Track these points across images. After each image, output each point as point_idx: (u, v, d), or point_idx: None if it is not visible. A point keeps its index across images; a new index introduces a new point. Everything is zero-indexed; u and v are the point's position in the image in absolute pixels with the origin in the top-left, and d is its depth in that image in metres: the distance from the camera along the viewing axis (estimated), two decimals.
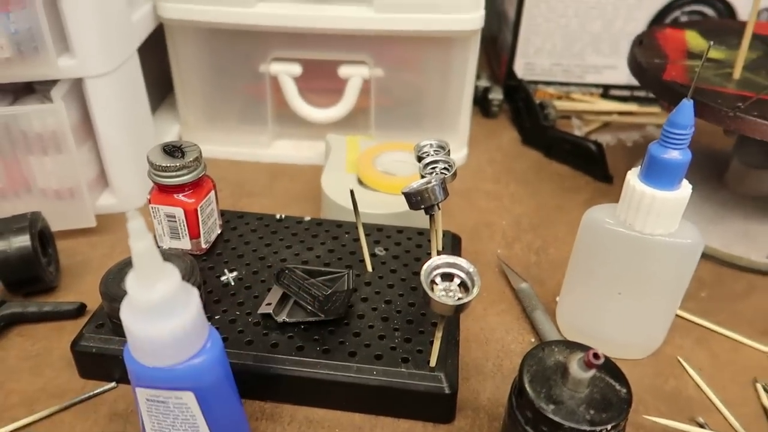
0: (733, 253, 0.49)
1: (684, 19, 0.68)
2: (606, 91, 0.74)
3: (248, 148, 0.63)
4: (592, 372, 0.28)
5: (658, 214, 0.35)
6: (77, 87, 0.48)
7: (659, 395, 0.39)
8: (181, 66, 0.59)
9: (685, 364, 0.41)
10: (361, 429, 0.36)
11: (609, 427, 0.28)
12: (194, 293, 0.28)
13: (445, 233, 0.48)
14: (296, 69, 0.58)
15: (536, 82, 0.74)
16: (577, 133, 0.68)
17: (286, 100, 0.59)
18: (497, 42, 0.80)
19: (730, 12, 0.68)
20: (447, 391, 0.35)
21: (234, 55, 0.58)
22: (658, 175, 0.34)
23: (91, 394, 0.38)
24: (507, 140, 0.68)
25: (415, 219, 0.49)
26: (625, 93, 0.74)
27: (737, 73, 0.47)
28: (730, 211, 0.53)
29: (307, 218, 0.48)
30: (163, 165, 0.41)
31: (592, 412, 0.28)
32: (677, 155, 0.34)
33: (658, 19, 0.69)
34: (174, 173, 0.41)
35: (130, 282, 0.27)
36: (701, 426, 0.37)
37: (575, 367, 0.29)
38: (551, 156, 0.64)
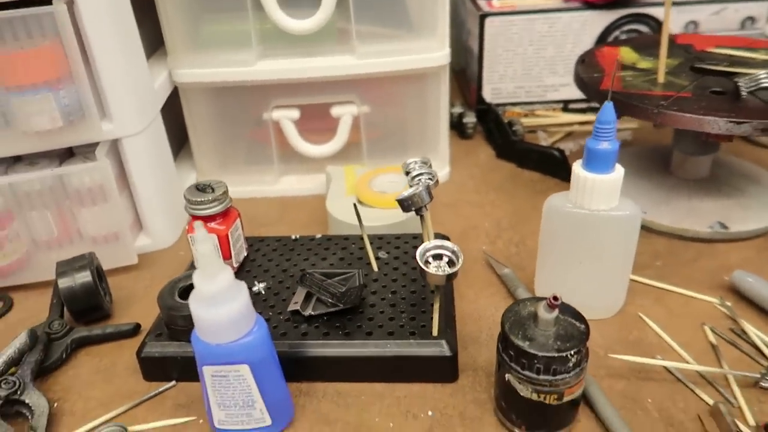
0: (681, 227, 0.58)
1: (623, 37, 0.79)
2: (566, 106, 0.84)
3: (258, 186, 0.72)
4: (555, 312, 0.37)
5: (599, 194, 0.44)
6: (114, 146, 0.58)
7: (625, 344, 0.47)
8: (194, 120, 0.69)
9: (645, 319, 0.49)
10: (382, 395, 0.44)
11: (572, 352, 0.36)
12: (243, 286, 0.37)
13: (435, 234, 0.56)
14: (295, 113, 0.67)
15: (504, 104, 0.84)
16: (543, 143, 0.77)
17: (288, 140, 0.68)
18: (466, 73, 0.91)
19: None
20: (449, 353, 0.43)
21: (240, 107, 0.68)
22: (595, 162, 0.44)
23: (157, 392, 0.46)
24: (483, 157, 0.77)
25: (409, 227, 0.58)
26: (583, 105, 0.84)
27: (661, 77, 0.57)
28: (677, 194, 0.62)
29: (319, 236, 0.57)
30: (198, 200, 0.49)
31: (558, 343, 0.36)
32: (607, 145, 0.43)
33: (602, 39, 0.79)
34: (207, 206, 0.49)
35: (197, 278, 0.35)
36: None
37: (542, 311, 0.37)
38: (523, 166, 0.74)
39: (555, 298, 0.36)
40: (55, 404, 0.45)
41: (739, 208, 0.60)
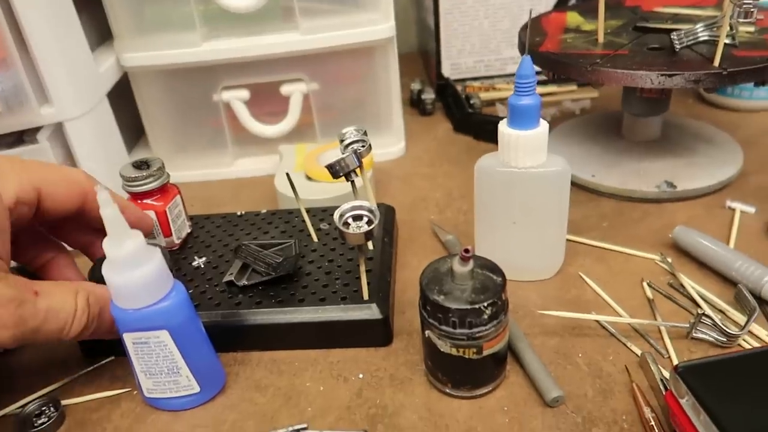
0: (629, 188, 0.58)
1: None
2: None
3: (214, 169, 0.72)
4: (469, 265, 0.37)
5: (525, 150, 0.44)
6: (59, 130, 0.58)
7: (561, 302, 0.47)
8: (147, 106, 0.69)
9: (584, 277, 0.49)
10: (316, 360, 0.44)
11: (486, 304, 0.36)
12: (157, 251, 0.37)
13: (380, 205, 0.56)
14: (244, 93, 0.67)
15: (465, 80, 0.83)
16: (502, 115, 0.77)
17: (240, 121, 0.68)
18: (428, 51, 0.90)
19: None
20: (379, 316, 0.43)
21: (190, 90, 0.67)
22: (519, 119, 0.43)
23: (94, 366, 0.46)
24: (441, 132, 0.77)
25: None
26: (543, 77, 0.83)
27: (600, 38, 0.56)
28: (626, 156, 0.62)
29: (264, 211, 0.57)
30: (132, 176, 0.49)
31: (473, 296, 0.36)
32: (529, 100, 0.43)
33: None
34: (142, 182, 0.50)
35: (106, 244, 0.35)
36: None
37: (456, 265, 0.37)
38: (479, 138, 0.73)
39: (467, 251, 0.36)
40: None
41: (688, 167, 0.59)
